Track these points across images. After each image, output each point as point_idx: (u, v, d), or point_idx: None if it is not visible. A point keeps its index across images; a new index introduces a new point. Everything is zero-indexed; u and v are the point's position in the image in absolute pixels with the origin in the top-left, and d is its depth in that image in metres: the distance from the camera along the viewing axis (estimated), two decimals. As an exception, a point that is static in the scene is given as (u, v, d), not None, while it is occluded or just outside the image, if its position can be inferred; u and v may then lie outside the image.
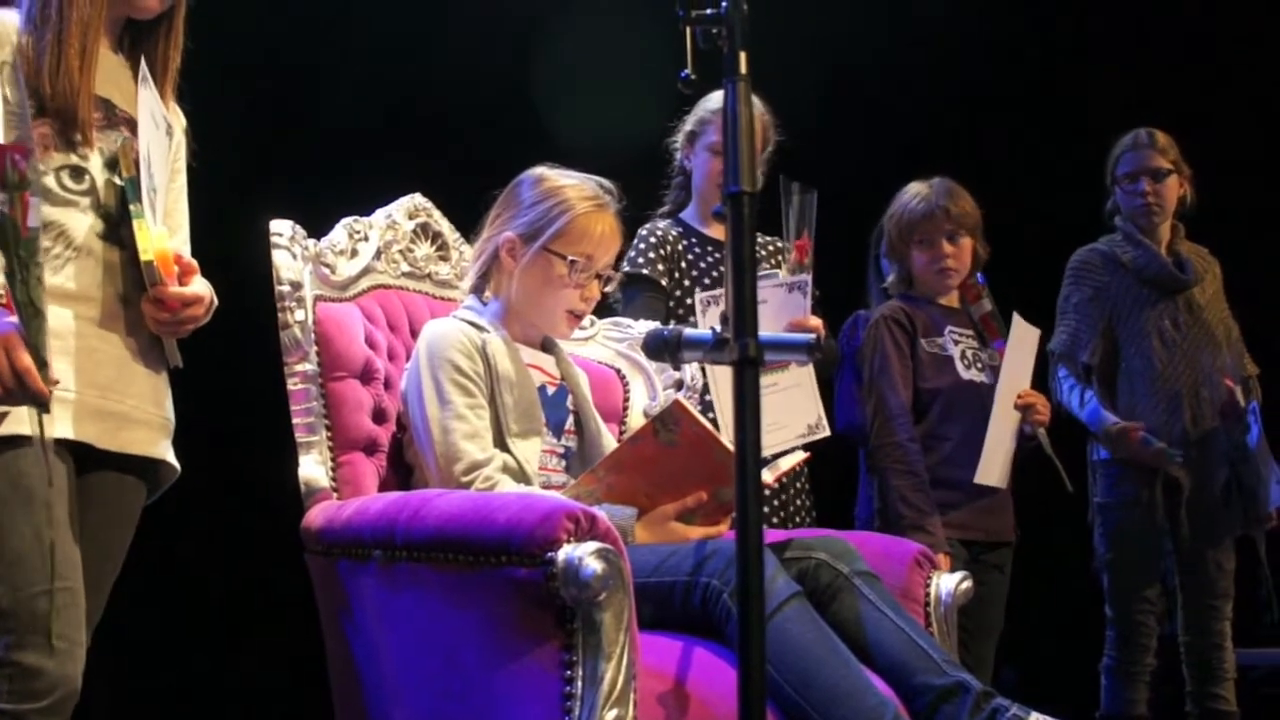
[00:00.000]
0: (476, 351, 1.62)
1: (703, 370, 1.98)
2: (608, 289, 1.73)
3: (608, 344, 1.99)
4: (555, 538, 1.28)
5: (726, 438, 1.59)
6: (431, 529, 1.36)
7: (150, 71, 1.39)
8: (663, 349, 1.53)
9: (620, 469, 1.55)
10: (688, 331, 1.53)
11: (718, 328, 1.50)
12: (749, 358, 1.05)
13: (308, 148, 2.65)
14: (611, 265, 1.72)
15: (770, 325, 1.99)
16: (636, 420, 1.92)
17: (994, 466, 2.18)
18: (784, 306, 2.01)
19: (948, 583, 1.64)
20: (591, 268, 1.68)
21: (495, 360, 1.64)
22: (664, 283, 2.26)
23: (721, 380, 2.00)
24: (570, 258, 1.66)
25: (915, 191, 2.32)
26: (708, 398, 2.04)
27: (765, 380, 1.98)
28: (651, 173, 2.35)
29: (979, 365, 2.32)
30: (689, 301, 2.27)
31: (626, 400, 1.94)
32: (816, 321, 2.05)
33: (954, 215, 2.30)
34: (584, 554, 1.27)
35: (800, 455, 1.70)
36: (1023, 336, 2.22)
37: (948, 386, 2.27)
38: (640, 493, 1.55)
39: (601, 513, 1.33)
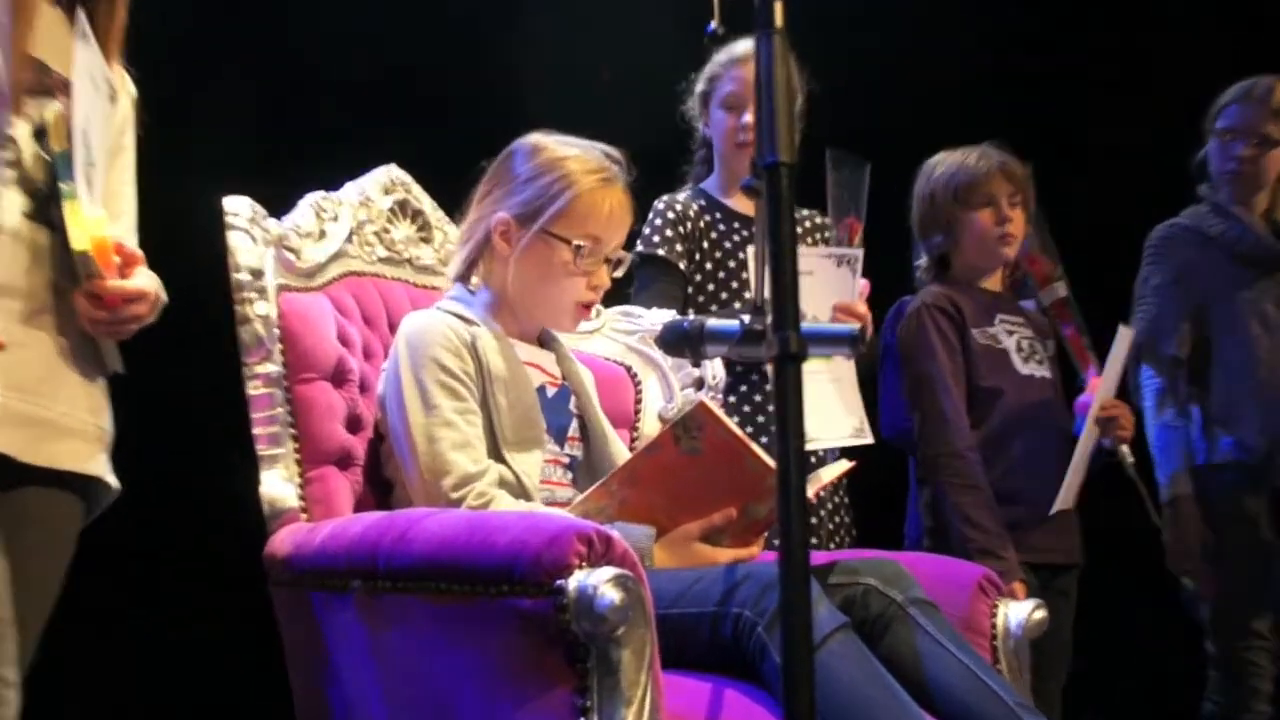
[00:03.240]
0: (465, 348, 1.62)
1: (728, 367, 1.97)
2: (619, 274, 1.73)
3: (616, 337, 1.99)
4: (565, 563, 1.28)
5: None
6: (420, 555, 1.36)
7: (91, 26, 1.35)
8: (682, 343, 1.55)
9: (636, 482, 1.55)
10: (711, 322, 1.55)
11: (745, 318, 1.52)
12: (791, 353, 1.04)
13: (269, 115, 2.63)
14: (622, 246, 1.72)
15: (813, 303, 1.98)
16: (651, 425, 1.93)
17: (1072, 492, 2.17)
18: (830, 284, 2.01)
19: (1018, 612, 1.63)
20: (600, 251, 1.68)
21: (487, 358, 1.63)
22: (682, 265, 2.26)
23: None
24: (575, 241, 1.66)
25: (962, 154, 2.31)
26: (731, 398, 2.04)
27: (815, 364, 1.99)
28: (671, 147, 2.36)
29: (1037, 358, 2.30)
30: (710, 287, 2.27)
31: (639, 402, 1.95)
32: (865, 309, 2.05)
33: (1017, 177, 2.29)
34: (599, 582, 1.26)
35: (844, 465, 1.70)
36: (1119, 342, 2.19)
37: (1006, 384, 2.25)
38: (659, 509, 1.56)
39: (616, 533, 1.33)
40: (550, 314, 1.71)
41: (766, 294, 1.48)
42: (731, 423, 1.55)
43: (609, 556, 1.30)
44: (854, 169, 2.02)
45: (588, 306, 1.71)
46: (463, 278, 1.75)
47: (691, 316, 1.77)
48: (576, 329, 1.78)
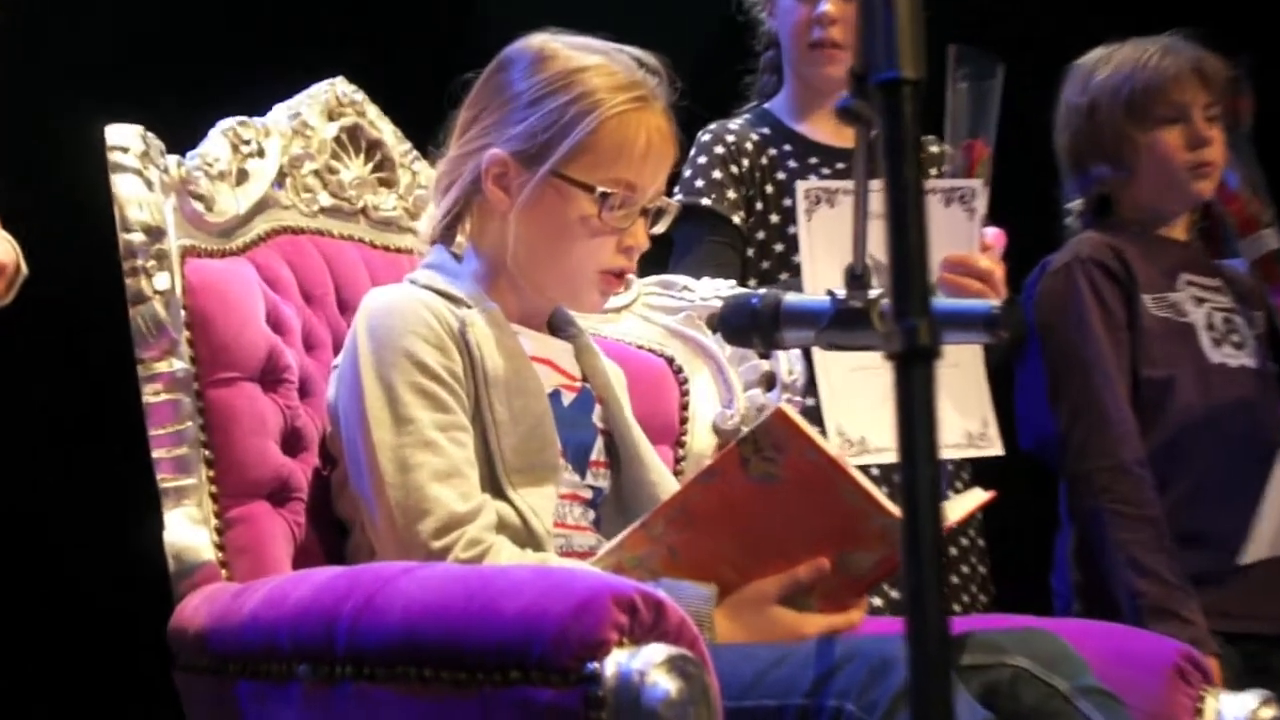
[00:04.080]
0: (450, 338, 1.63)
1: (806, 358, 1.97)
2: (659, 230, 1.73)
3: (653, 317, 2.00)
4: (600, 639, 1.28)
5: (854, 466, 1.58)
6: (397, 628, 1.37)
7: None
8: (750, 326, 1.57)
9: (689, 522, 1.56)
10: (790, 299, 1.57)
11: (839, 292, 1.52)
12: (919, 347, 1.04)
13: (165, 9, 2.62)
14: (664, 192, 1.72)
15: None
16: (703, 440, 1.93)
17: (1264, 537, 2.17)
18: (937, 230, 2.01)
19: (1235, 708, 1.63)
20: (634, 200, 1.68)
21: (481, 352, 1.64)
22: (737, 219, 2.28)
23: (835, 370, 2.00)
24: (600, 187, 1.66)
25: (1136, 50, 2.30)
26: (809, 400, 2.05)
27: None
28: (722, 50, 2.37)
29: (1235, 339, 2.31)
30: (777, 248, 2.28)
31: (685, 408, 1.96)
32: (988, 264, 2.03)
33: (1216, 82, 2.26)
34: (647, 665, 1.27)
35: (979, 495, 1.70)
36: None
37: (1187, 374, 2.26)
38: (721, 560, 1.56)
39: (666, 595, 1.34)
40: (567, 288, 1.72)
41: (868, 260, 1.53)
42: (822, 439, 1.55)
43: (660, 629, 1.30)
44: (982, 71, 2.02)
45: (619, 276, 1.71)
46: (443, 239, 1.75)
47: (760, 290, 1.78)
48: (600, 309, 1.79)
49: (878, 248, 1.81)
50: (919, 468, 1.03)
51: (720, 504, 1.54)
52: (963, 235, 2.01)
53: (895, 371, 1.06)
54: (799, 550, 1.56)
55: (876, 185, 2.02)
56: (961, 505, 1.72)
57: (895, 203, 1.09)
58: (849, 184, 1.99)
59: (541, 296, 1.74)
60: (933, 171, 2.29)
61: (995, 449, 2.06)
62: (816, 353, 1.97)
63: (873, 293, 1.50)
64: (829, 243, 1.98)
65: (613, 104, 1.65)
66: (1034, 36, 2.34)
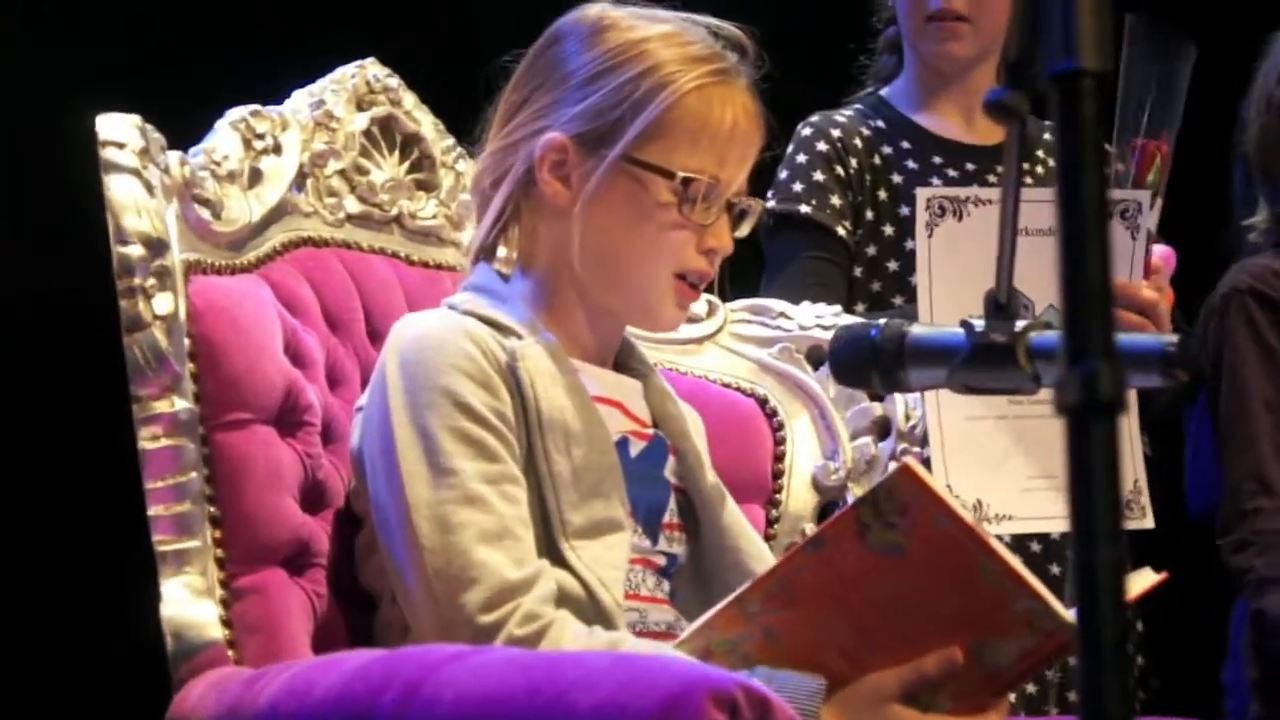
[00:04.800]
0: (499, 374, 1.63)
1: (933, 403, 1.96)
2: (744, 232, 1.73)
3: (742, 349, 2.00)
4: None
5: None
6: None
7: None
8: (868, 363, 1.57)
9: (791, 600, 1.55)
10: (917, 331, 1.57)
11: (976, 323, 1.51)
12: (1101, 399, 1.03)
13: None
14: (746, 188, 1.72)
15: (1036, 282, 1.95)
16: (801, 500, 1.94)
17: None
18: None
19: None
20: (718, 192, 1.69)
21: (535, 391, 1.64)
22: (842, 230, 2.27)
23: (950, 418, 1.98)
24: (680, 174, 1.66)
25: None
26: (927, 452, 2.03)
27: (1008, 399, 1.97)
28: (828, 27, 2.36)
29: None
30: (891, 265, 2.28)
31: (780, 460, 1.96)
32: (1151, 294, 2.03)
33: None
34: None
35: (1151, 576, 1.68)
36: None
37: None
38: (829, 646, 1.56)
39: (766, 687, 1.34)
40: (640, 298, 1.72)
41: (1018, 283, 1.52)
42: (957, 503, 1.54)
43: None
44: (1166, 51, 2.00)
45: (695, 287, 1.72)
46: (488, 252, 1.75)
47: (878, 319, 1.77)
48: (677, 327, 1.79)
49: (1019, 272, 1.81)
50: (1099, 547, 1.02)
51: (830, 578, 1.53)
52: (1124, 258, 2.00)
53: (1069, 428, 1.05)
54: (926, 637, 1.55)
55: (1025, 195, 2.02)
56: (1130, 587, 1.69)
57: (1071, 221, 1.08)
58: (981, 192, 1.98)
59: (604, 311, 1.74)
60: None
61: (1144, 521, 2.03)
62: (928, 397, 1.96)
63: (1019, 325, 1.49)
64: (953, 263, 1.96)
65: (690, 77, 1.67)
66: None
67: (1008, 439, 1.95)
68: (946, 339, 1.52)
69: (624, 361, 1.79)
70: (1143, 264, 2.01)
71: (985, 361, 1.49)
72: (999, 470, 1.98)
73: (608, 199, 1.68)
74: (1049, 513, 1.99)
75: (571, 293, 1.71)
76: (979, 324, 1.50)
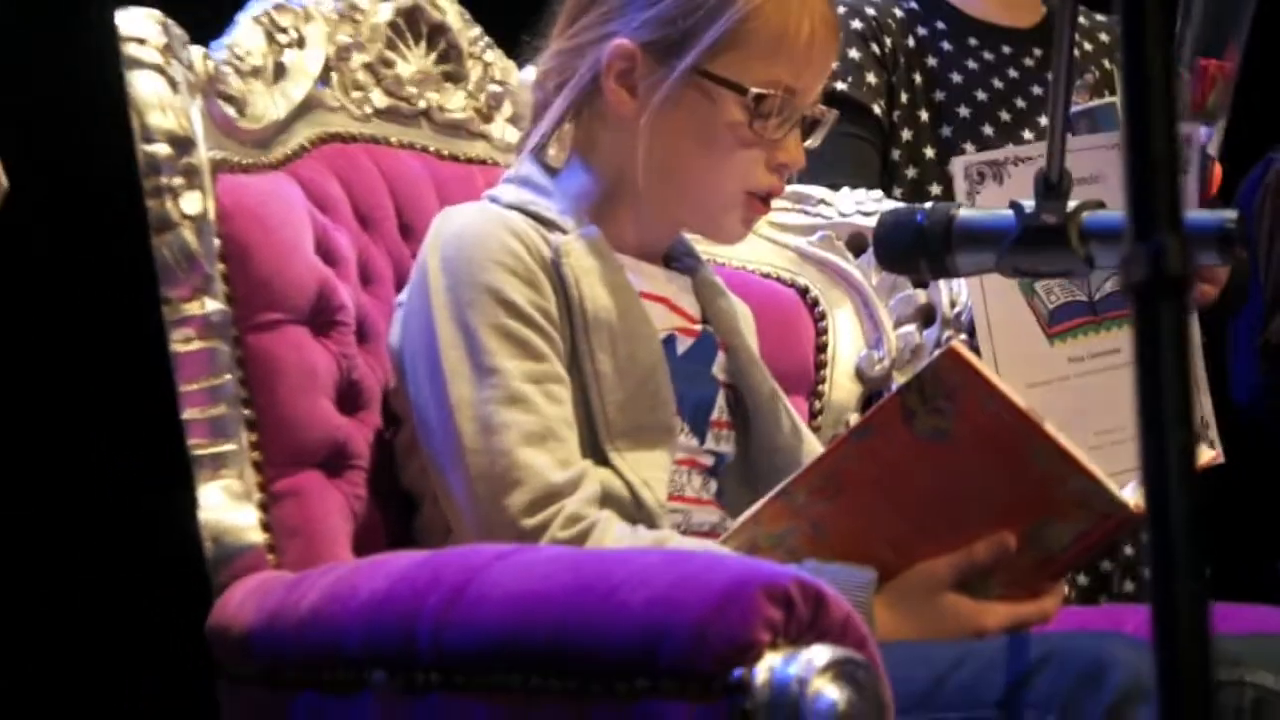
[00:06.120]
0: (543, 269, 1.63)
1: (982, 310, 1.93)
2: (814, 144, 1.73)
3: (782, 238, 2.00)
4: (749, 639, 1.27)
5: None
6: (492, 627, 1.38)
7: None
8: (914, 248, 1.57)
9: (838, 490, 1.56)
10: (965, 214, 1.56)
11: (1026, 204, 1.50)
12: (1171, 275, 1.01)
13: None
14: (822, 99, 1.72)
15: None
16: (846, 388, 1.95)
17: None
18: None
19: None
20: (794, 107, 1.68)
21: (580, 288, 1.64)
22: (878, 110, 2.25)
23: (995, 303, 1.96)
24: (754, 89, 1.66)
25: None
26: (975, 343, 2.01)
27: (1094, 342, 1.96)
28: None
29: None
30: (928, 151, 2.25)
31: (823, 350, 1.97)
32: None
33: None
34: (809, 671, 1.26)
35: (1206, 453, 1.67)
36: None
37: None
38: (878, 536, 1.56)
39: (826, 583, 1.33)
40: (705, 213, 1.73)
41: (1068, 162, 1.50)
42: (1004, 384, 1.53)
43: (821, 626, 1.30)
44: None
45: (766, 200, 1.72)
46: (537, 150, 1.74)
47: (926, 205, 1.74)
48: (743, 239, 1.79)
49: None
50: (1169, 433, 1.01)
51: (877, 467, 1.54)
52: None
53: (1136, 308, 1.03)
54: (976, 523, 1.55)
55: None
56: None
57: (1136, 91, 1.05)
58: (1019, 150, 1.94)
59: (667, 221, 1.74)
60: (1107, 64, 2.27)
61: (1213, 454, 1.99)
62: (973, 283, 1.94)
63: (1071, 205, 1.48)
64: None
65: None
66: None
67: (1070, 400, 1.92)
68: (996, 221, 1.52)
69: (673, 254, 1.78)
70: (1196, 198, 1.97)
71: (1036, 243, 1.49)
72: (1065, 432, 1.96)
73: (675, 113, 1.67)
74: (1122, 466, 1.95)
75: (626, 197, 1.71)
76: (1029, 205, 1.50)
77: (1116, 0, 1.05)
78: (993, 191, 1.92)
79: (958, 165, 1.94)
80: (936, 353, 1.60)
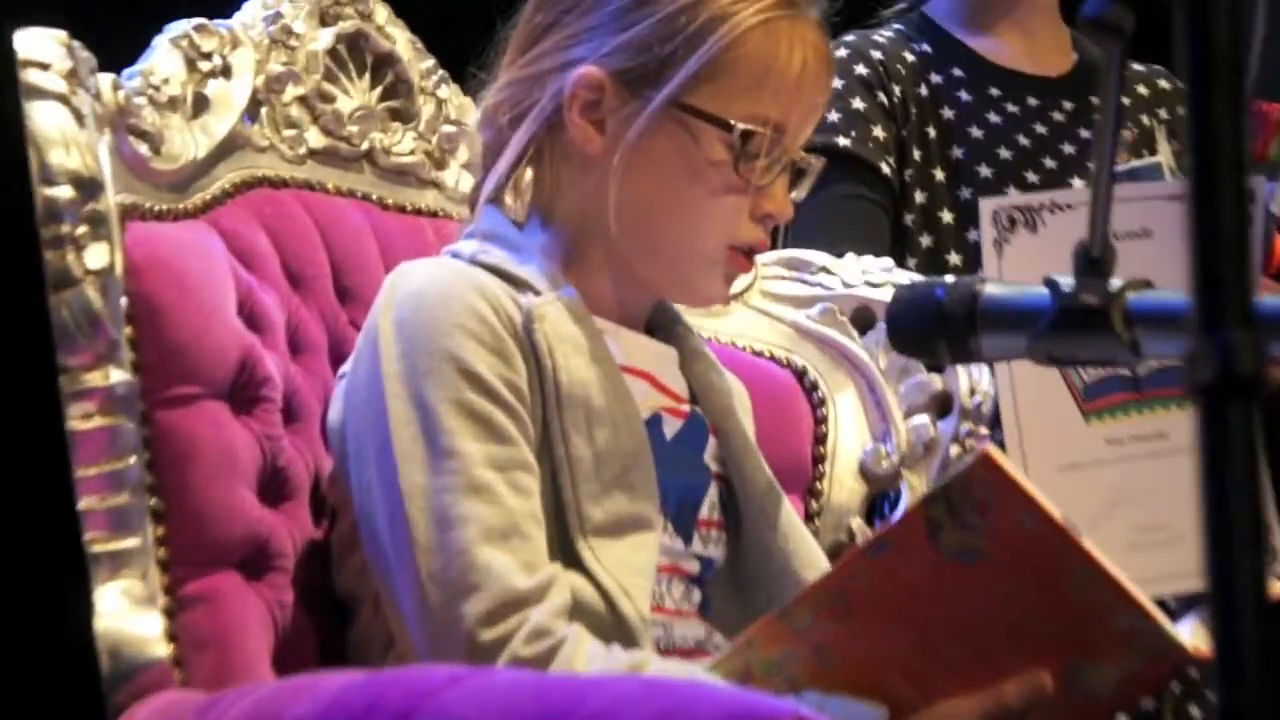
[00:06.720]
0: (513, 338, 1.64)
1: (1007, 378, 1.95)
2: (801, 194, 1.75)
3: (777, 311, 2.02)
4: None
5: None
6: None
7: None
8: (933, 329, 1.58)
9: (847, 612, 1.56)
10: (992, 290, 1.57)
11: (1063, 282, 1.51)
12: (1240, 375, 1.03)
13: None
14: (824, 155, 1.76)
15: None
16: (848, 487, 1.97)
17: None
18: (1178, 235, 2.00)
19: None
20: (782, 147, 1.70)
21: (554, 359, 1.65)
22: (886, 168, 2.28)
23: (1022, 371, 1.97)
24: (739, 126, 1.67)
25: None
26: (999, 435, 2.03)
27: (1136, 424, 1.97)
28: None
29: None
30: (945, 218, 2.28)
31: (822, 442, 1.98)
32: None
33: None
34: None
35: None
36: None
37: None
38: (891, 667, 1.56)
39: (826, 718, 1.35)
40: (683, 269, 1.74)
41: (1112, 234, 1.51)
42: (1043, 498, 1.52)
43: None
44: None
45: (750, 255, 1.73)
46: (494, 199, 1.75)
47: (947, 279, 1.75)
48: (723, 302, 1.82)
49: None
50: (1237, 556, 1.03)
51: (894, 588, 1.54)
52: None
53: (1202, 413, 1.05)
54: (1007, 658, 1.55)
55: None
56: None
57: (1203, 163, 1.09)
58: (1057, 195, 1.96)
59: (643, 280, 1.75)
60: (1162, 113, 2.31)
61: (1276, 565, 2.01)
62: (999, 369, 1.96)
63: (1114, 284, 1.49)
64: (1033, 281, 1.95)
65: (754, 10, 1.68)
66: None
67: (1106, 488, 1.93)
68: (1028, 300, 1.52)
69: (656, 321, 1.79)
70: (1260, 256, 2.00)
71: (1074, 327, 1.49)
72: (1099, 526, 1.96)
73: (650, 151, 1.69)
74: (1166, 571, 1.95)
75: (598, 251, 1.72)
76: (1066, 283, 1.50)
77: (1177, 54, 1.07)
78: (1024, 241, 1.93)
79: (986, 208, 1.96)
80: (968, 459, 1.59)
